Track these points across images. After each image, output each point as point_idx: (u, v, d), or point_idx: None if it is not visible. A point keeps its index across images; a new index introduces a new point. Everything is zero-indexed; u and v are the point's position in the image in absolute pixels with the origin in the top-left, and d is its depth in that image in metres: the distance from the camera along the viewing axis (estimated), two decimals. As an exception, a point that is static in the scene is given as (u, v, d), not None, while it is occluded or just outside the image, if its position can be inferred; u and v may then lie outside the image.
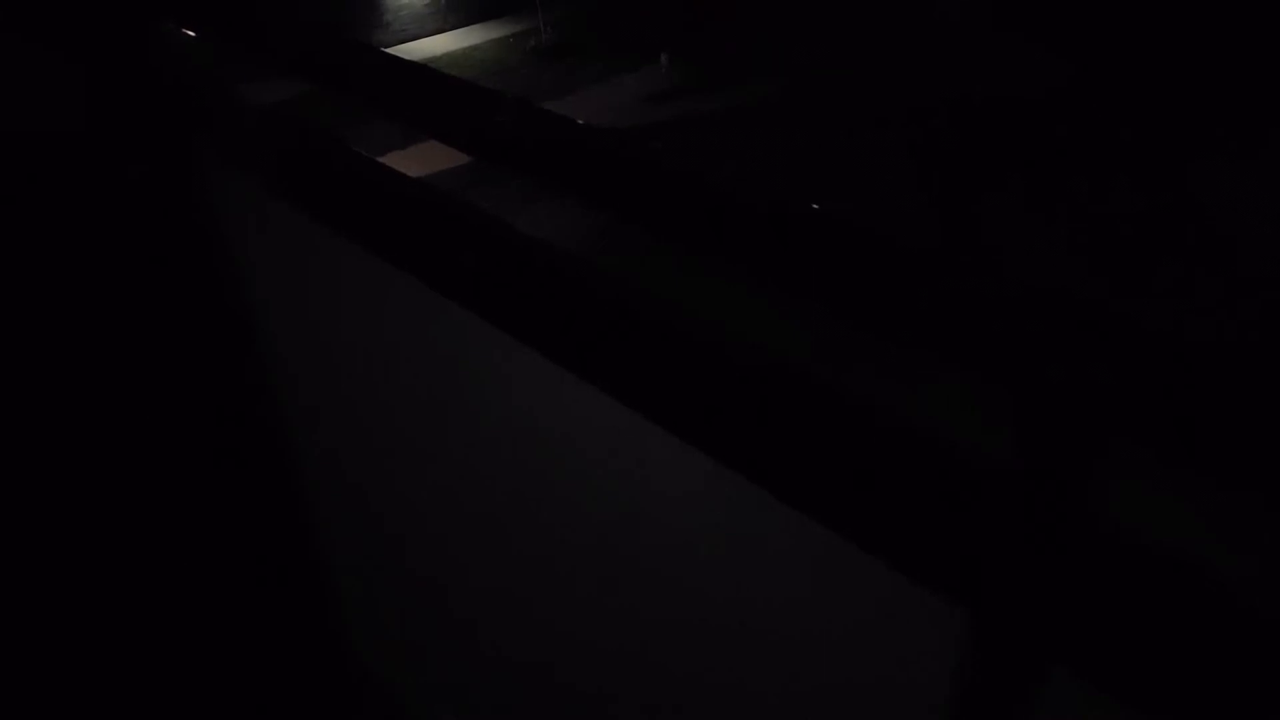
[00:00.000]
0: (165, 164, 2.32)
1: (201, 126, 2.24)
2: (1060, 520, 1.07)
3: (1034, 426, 1.14)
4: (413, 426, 2.05)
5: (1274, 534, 1.15)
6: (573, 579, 1.75)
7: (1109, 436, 1.10)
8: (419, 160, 1.99)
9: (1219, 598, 0.99)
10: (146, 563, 2.50)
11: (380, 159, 1.79)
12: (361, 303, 2.01)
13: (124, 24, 2.22)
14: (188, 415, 2.47)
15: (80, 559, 2.48)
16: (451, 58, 3.88)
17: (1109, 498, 1.07)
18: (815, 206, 1.45)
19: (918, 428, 1.22)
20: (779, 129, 3.74)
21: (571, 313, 1.42)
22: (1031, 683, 1.08)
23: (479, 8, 4.17)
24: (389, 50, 4.04)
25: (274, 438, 2.47)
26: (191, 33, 2.08)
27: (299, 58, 1.94)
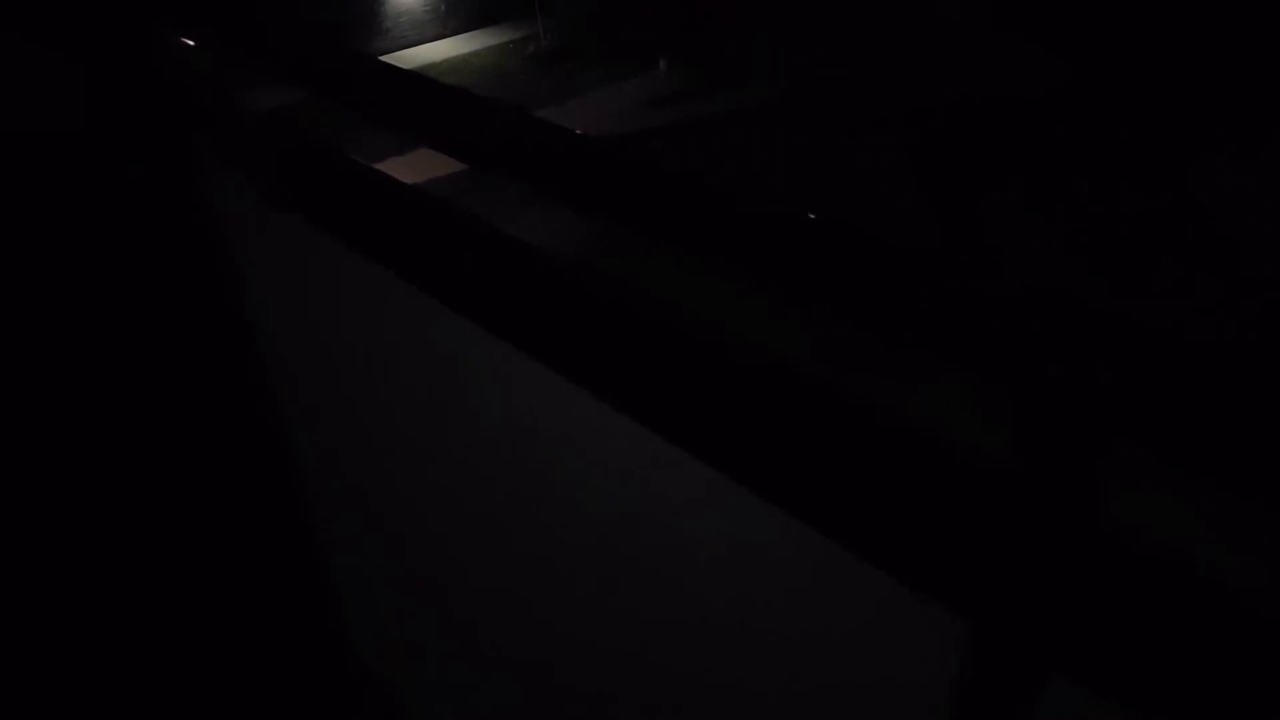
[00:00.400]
0: (165, 167, 2.32)
1: (201, 130, 2.24)
2: (1061, 524, 1.07)
3: (1034, 427, 1.14)
4: (411, 430, 2.05)
5: (1277, 536, 1.15)
6: (572, 581, 1.75)
7: (1110, 437, 1.10)
8: (417, 166, 2.00)
9: (1222, 602, 0.99)
10: (146, 563, 2.49)
11: (379, 165, 1.80)
12: (360, 307, 2.01)
13: (124, 27, 2.23)
14: (187, 416, 2.47)
15: (80, 559, 2.47)
16: (451, 64, 3.89)
17: (1110, 500, 1.07)
18: (812, 215, 1.46)
19: (918, 433, 1.22)
20: (779, 130, 3.74)
21: (567, 319, 1.42)
22: (1032, 690, 1.08)
23: (478, 14, 4.17)
24: (389, 57, 4.05)
25: (273, 439, 2.47)
26: (190, 41, 2.08)
27: (296, 65, 1.95)
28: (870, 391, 1.37)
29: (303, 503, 2.57)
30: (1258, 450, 1.05)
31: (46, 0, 2.23)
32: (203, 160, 2.27)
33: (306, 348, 2.32)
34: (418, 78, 1.75)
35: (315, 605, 2.69)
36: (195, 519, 2.51)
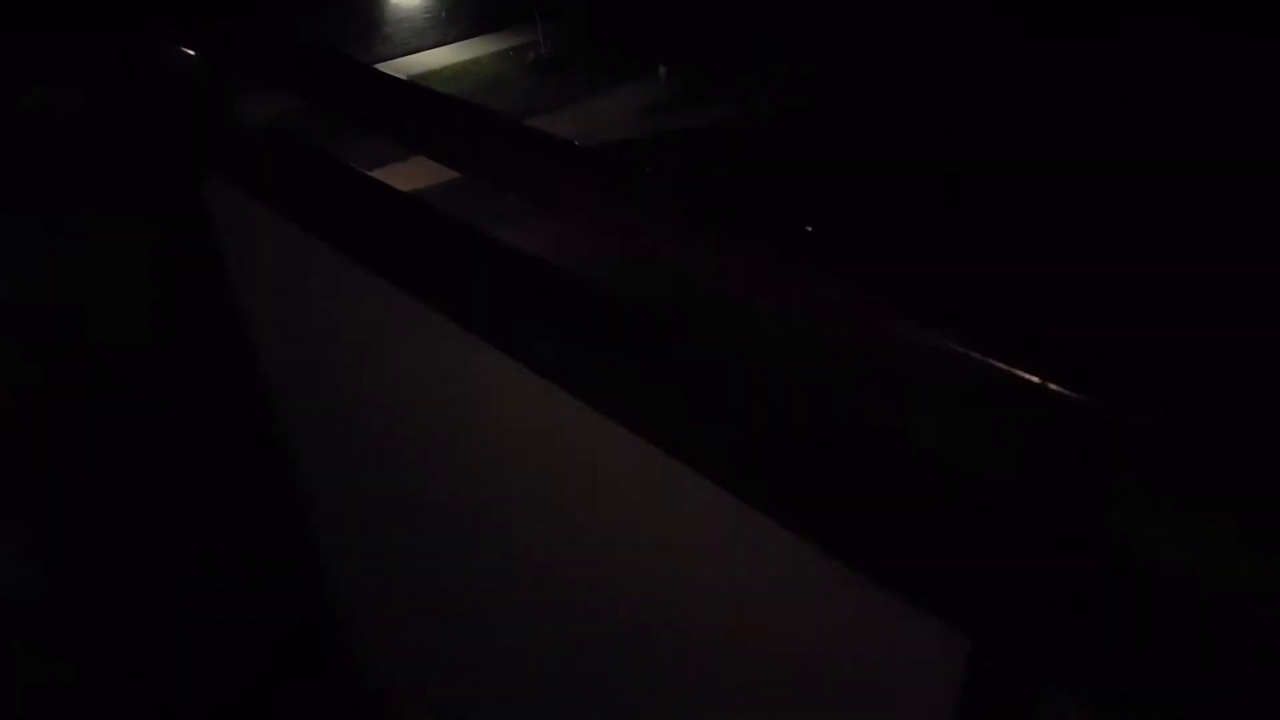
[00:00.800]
0: (162, 172, 2.32)
1: (198, 136, 2.24)
2: (1063, 539, 1.06)
3: (1036, 441, 1.13)
4: (408, 438, 2.04)
5: (1275, 549, 1.14)
6: (571, 594, 1.74)
7: (1110, 452, 1.09)
8: (416, 173, 1.99)
9: (1224, 617, 0.98)
10: (142, 569, 2.49)
11: (377, 171, 1.79)
12: (354, 316, 2.00)
13: (125, 34, 2.23)
14: (182, 421, 2.46)
15: (77, 566, 2.47)
16: (451, 70, 3.88)
17: (1111, 515, 1.06)
18: (809, 229, 1.45)
19: (919, 447, 1.21)
20: (779, 136, 3.73)
21: (564, 329, 1.41)
22: (1034, 708, 1.07)
23: (479, 21, 4.17)
24: (389, 64, 4.05)
25: (268, 445, 2.46)
26: (190, 50, 2.08)
27: (294, 72, 1.94)
28: (872, 404, 1.36)
29: (299, 510, 2.56)
30: (1257, 462, 1.04)
31: (48, 7, 2.24)
32: (199, 169, 2.27)
33: (301, 355, 2.31)
34: (413, 86, 1.75)
35: (312, 616, 2.69)
36: (190, 525, 2.51)
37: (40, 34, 2.25)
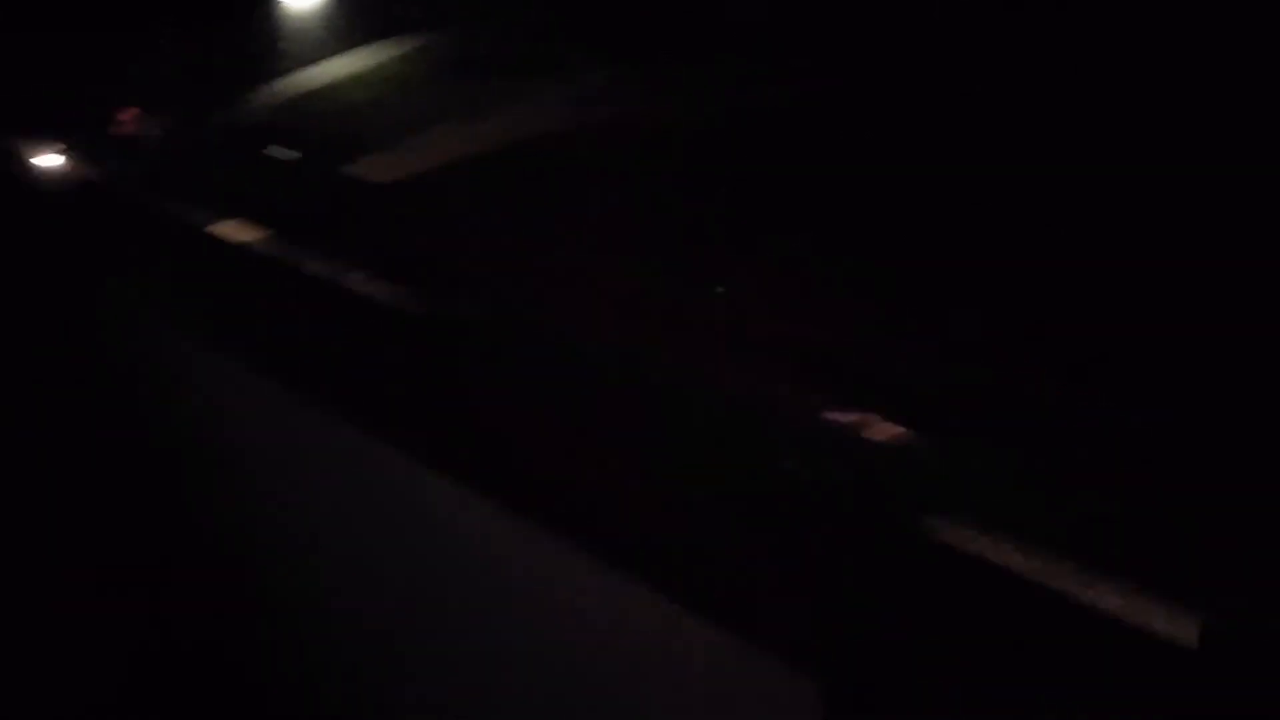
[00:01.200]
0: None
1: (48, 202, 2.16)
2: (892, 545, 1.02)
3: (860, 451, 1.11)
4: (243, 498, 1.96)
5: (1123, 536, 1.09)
6: (403, 635, 1.67)
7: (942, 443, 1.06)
8: (245, 228, 1.90)
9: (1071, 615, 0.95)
10: (67, 674, 2.44)
11: (211, 227, 1.70)
12: (195, 381, 1.93)
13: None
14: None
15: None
16: (356, 78, 3.78)
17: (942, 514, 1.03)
18: (720, 289, 1.44)
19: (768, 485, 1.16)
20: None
21: (391, 371, 1.35)
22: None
23: (383, 26, 4.07)
24: (291, 76, 3.96)
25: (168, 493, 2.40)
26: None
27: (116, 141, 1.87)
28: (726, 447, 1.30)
29: (205, 560, 2.52)
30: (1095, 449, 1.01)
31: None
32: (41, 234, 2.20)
33: (170, 415, 2.24)
34: (217, 147, 1.66)
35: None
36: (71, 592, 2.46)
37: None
